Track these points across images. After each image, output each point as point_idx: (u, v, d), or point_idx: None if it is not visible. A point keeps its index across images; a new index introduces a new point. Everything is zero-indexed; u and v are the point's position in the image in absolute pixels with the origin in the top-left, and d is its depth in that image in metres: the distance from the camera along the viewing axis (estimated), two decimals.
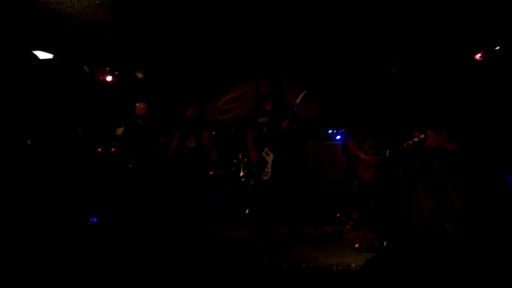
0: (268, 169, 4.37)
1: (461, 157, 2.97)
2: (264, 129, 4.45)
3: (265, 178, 4.40)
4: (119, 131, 5.84)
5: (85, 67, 6.45)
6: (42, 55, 5.68)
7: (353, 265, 3.40)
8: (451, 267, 2.63)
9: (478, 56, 5.34)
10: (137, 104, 5.62)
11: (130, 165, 5.34)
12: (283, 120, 4.27)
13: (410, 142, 4.18)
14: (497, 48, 5.14)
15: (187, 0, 4.43)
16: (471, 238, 2.67)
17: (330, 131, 6.29)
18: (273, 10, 4.68)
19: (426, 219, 2.72)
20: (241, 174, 5.83)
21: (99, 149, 5.78)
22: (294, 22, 5.02)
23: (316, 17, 4.88)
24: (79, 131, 6.23)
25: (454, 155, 3.02)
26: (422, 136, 4.07)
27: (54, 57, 5.78)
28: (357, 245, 3.99)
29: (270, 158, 4.38)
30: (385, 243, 3.18)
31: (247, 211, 5.49)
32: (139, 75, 6.66)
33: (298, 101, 4.25)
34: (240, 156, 5.89)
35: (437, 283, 2.57)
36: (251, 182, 5.50)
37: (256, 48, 5.91)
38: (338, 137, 6.10)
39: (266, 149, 4.41)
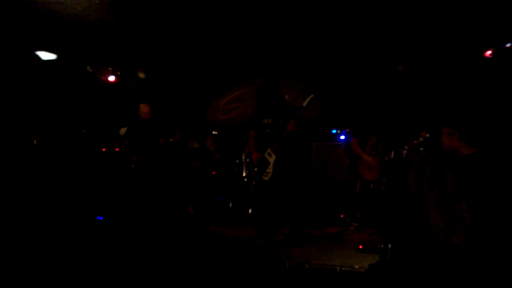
0: (270, 170, 4.36)
1: (474, 163, 2.80)
2: (268, 130, 4.44)
3: (266, 178, 4.39)
4: (123, 131, 5.85)
5: (88, 67, 6.45)
6: (45, 55, 5.69)
7: (357, 266, 3.38)
8: (456, 278, 2.59)
9: (488, 53, 5.24)
10: (141, 105, 5.61)
11: (132, 165, 5.35)
12: (287, 121, 4.24)
13: (414, 141, 4.14)
14: (508, 45, 5.04)
15: (186, 2, 4.42)
16: (477, 251, 2.60)
17: (334, 131, 6.24)
18: (274, 10, 4.66)
19: (435, 229, 2.66)
20: (244, 174, 5.82)
21: (104, 149, 5.81)
22: (296, 22, 4.99)
23: (318, 16, 4.84)
24: (83, 131, 6.26)
25: (467, 160, 2.86)
26: (428, 135, 4.01)
27: (57, 57, 5.79)
28: (360, 246, 3.96)
29: (272, 159, 4.36)
30: (389, 246, 3.13)
31: (250, 211, 5.47)
32: (141, 75, 6.66)
33: (305, 104, 4.22)
34: (243, 156, 5.87)
35: None
36: (254, 182, 5.49)
37: (258, 47, 5.89)
38: (342, 137, 6.05)
39: (268, 150, 4.39)
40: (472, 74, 5.37)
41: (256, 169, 4.51)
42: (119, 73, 6.65)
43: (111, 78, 6.62)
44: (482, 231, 2.61)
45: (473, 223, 2.61)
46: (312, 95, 4.21)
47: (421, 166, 2.83)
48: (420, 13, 4.66)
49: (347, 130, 6.09)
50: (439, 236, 2.66)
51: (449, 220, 2.66)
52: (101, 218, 4.72)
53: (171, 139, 5.59)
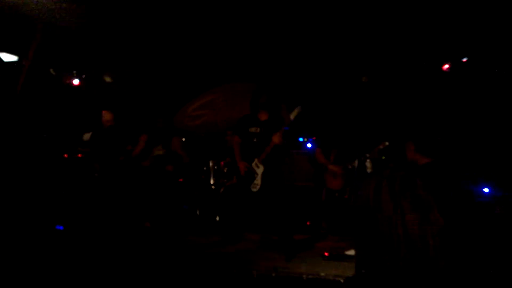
0: (258, 181, 4.26)
1: (433, 171, 3.00)
2: (254, 140, 4.33)
3: (254, 190, 4.28)
4: (87, 136, 5.68)
5: (51, 70, 6.24)
6: (6, 57, 5.47)
7: (322, 274, 3.44)
8: (434, 282, 2.69)
9: (445, 67, 5.51)
10: (103, 112, 5.45)
11: (96, 174, 5.21)
12: (275, 132, 4.17)
13: (375, 149, 4.31)
14: (465, 59, 5.32)
15: (155, 5, 4.39)
16: (452, 252, 2.72)
17: (301, 139, 6.36)
18: (244, 19, 4.72)
19: (412, 235, 2.75)
20: (212, 181, 5.81)
21: (65, 155, 5.62)
22: (264, 30, 5.07)
23: (285, 26, 4.95)
24: (44, 135, 6.03)
25: (427, 169, 3.04)
26: (387, 143, 4.20)
27: (19, 59, 5.58)
28: (326, 253, 4.05)
29: (260, 170, 4.26)
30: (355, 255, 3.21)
31: (217, 218, 5.46)
32: (107, 79, 6.52)
33: (293, 117, 4.18)
34: (210, 164, 5.86)
35: None
36: (221, 190, 5.49)
37: (226, 54, 5.93)
38: (309, 145, 6.18)
39: (256, 161, 4.29)
40: (428, 87, 5.64)
41: (243, 179, 4.42)
42: (84, 76, 6.49)
43: (76, 82, 6.44)
44: (454, 232, 2.75)
45: (445, 225, 2.75)
46: (299, 108, 4.16)
47: (392, 175, 2.91)
48: (384, 27, 4.86)
49: (314, 138, 6.23)
50: (416, 241, 2.75)
51: (424, 225, 2.77)
52: (61, 227, 4.54)
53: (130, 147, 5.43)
